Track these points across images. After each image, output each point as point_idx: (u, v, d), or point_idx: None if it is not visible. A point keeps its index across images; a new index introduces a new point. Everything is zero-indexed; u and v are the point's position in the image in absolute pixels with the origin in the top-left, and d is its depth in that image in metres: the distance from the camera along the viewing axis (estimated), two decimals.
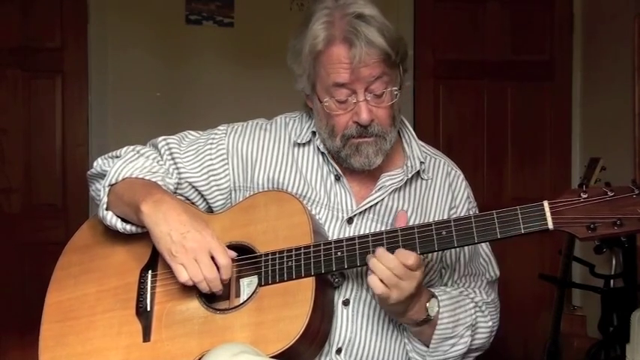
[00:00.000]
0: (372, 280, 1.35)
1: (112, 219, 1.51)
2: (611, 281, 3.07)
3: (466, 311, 1.52)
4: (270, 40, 3.56)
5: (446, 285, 1.59)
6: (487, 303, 1.59)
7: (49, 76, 3.55)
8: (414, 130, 1.65)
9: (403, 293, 1.35)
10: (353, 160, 1.50)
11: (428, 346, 1.50)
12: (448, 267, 1.59)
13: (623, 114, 3.27)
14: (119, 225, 1.50)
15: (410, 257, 1.34)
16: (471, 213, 1.60)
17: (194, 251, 1.38)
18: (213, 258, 1.39)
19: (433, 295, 1.46)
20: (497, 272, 1.65)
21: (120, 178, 1.52)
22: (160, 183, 1.53)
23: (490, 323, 1.57)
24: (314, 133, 1.58)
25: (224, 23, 3.66)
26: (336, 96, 1.46)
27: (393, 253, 1.36)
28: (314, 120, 1.57)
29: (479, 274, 1.61)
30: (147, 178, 1.53)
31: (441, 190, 1.60)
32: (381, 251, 1.35)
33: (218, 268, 1.39)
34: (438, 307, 1.45)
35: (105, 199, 1.52)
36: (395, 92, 1.48)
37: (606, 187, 1.29)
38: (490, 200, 3.60)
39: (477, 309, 1.55)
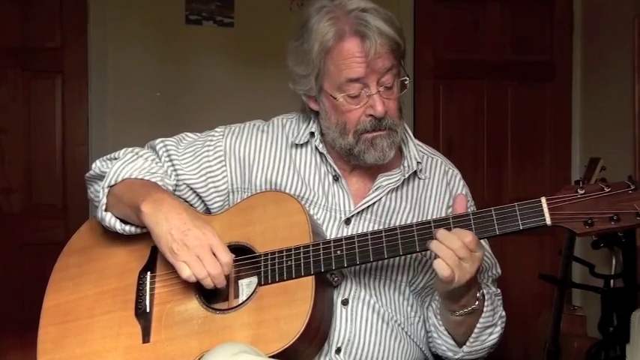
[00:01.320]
0: (438, 263, 1.33)
1: (110, 220, 1.51)
2: (611, 281, 3.07)
3: (496, 301, 1.54)
4: (270, 40, 3.56)
5: None
6: (497, 295, 1.60)
7: (49, 76, 3.55)
8: (414, 130, 1.66)
9: (464, 276, 1.34)
10: (367, 155, 1.50)
11: (457, 340, 1.50)
12: None
13: (623, 114, 3.27)
14: (118, 226, 1.50)
15: (467, 235, 1.33)
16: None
17: (196, 248, 1.38)
18: (214, 255, 1.39)
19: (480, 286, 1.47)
20: (500, 271, 1.66)
21: (119, 180, 1.53)
22: (159, 183, 1.53)
23: (504, 313, 1.58)
24: (312, 133, 1.58)
25: (224, 23, 3.66)
26: (348, 91, 1.46)
27: (392, 253, 1.37)
28: (320, 120, 1.56)
29: (484, 271, 1.62)
30: (146, 178, 1.53)
31: (438, 190, 1.61)
32: (443, 232, 1.34)
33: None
34: (483, 296, 1.45)
35: (104, 201, 1.52)
36: (405, 82, 1.49)
37: (603, 183, 1.31)
38: (490, 200, 3.60)
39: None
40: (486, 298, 1.47)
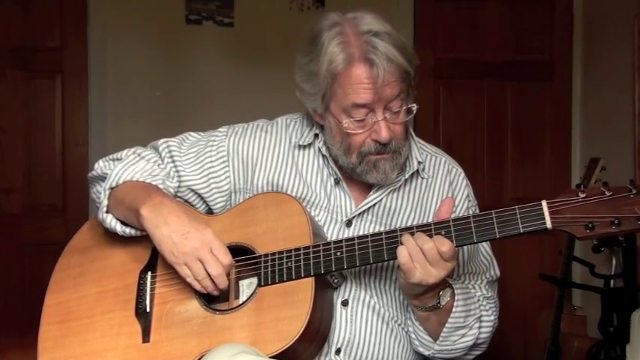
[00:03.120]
0: (400, 249, 1.34)
1: (111, 222, 1.51)
2: (611, 281, 3.06)
3: (474, 303, 1.52)
4: (270, 40, 3.56)
5: None
6: (487, 298, 1.59)
7: (49, 76, 3.54)
8: (414, 130, 1.65)
9: (428, 279, 1.35)
10: (369, 176, 1.49)
11: (432, 336, 1.50)
12: None
13: (623, 114, 3.27)
14: (118, 228, 1.50)
15: (445, 244, 1.33)
16: (471, 212, 1.60)
17: (196, 251, 1.39)
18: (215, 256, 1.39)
19: (448, 285, 1.46)
20: (498, 272, 1.65)
21: (120, 182, 1.53)
22: (160, 186, 1.53)
23: (492, 317, 1.57)
24: (316, 135, 1.58)
25: (224, 23, 3.65)
26: (354, 116, 1.44)
27: (392, 255, 1.37)
28: (324, 135, 1.55)
29: (479, 273, 1.62)
30: (147, 181, 1.53)
31: (441, 189, 1.60)
32: (419, 233, 1.35)
33: None
34: (450, 297, 1.45)
35: (105, 202, 1.52)
36: (412, 109, 1.48)
37: (604, 187, 1.30)
38: (490, 200, 3.60)
39: (480, 303, 1.56)
40: (457, 299, 1.46)
